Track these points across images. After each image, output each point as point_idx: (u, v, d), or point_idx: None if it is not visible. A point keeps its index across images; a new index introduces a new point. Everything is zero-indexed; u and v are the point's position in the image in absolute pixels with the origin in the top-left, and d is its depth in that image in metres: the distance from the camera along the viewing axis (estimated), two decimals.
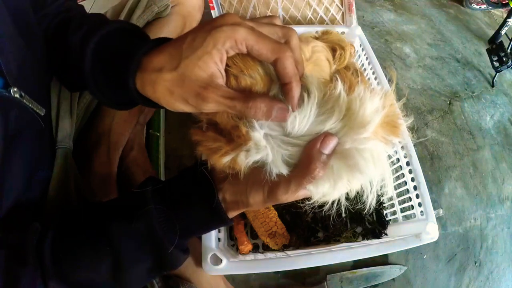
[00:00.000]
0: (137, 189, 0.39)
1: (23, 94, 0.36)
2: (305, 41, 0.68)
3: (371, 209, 0.74)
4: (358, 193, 0.32)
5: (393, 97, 0.32)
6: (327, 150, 0.30)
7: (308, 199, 0.33)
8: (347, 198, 0.33)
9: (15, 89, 0.35)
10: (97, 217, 0.39)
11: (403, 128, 0.32)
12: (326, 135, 0.30)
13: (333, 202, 0.33)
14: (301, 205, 0.35)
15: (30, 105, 0.38)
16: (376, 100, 0.30)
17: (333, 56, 0.69)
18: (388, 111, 0.31)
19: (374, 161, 0.30)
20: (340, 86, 0.29)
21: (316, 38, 0.75)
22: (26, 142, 0.39)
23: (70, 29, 0.42)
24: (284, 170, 0.31)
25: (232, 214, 0.39)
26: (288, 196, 0.33)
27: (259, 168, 0.32)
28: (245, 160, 0.31)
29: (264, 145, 0.30)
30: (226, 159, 0.31)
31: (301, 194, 0.33)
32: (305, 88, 0.30)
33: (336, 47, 0.69)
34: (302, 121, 0.30)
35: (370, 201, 0.32)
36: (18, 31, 0.37)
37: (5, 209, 0.36)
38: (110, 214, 0.39)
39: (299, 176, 0.31)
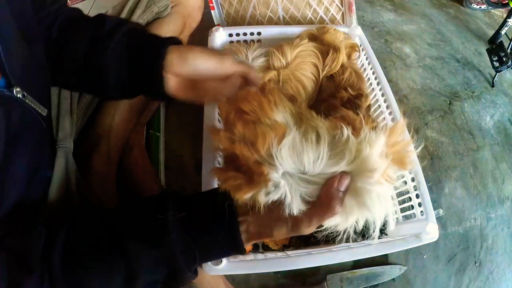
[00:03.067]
0: (156, 210, 0.39)
1: (25, 94, 0.37)
2: (291, 46, 0.68)
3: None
4: (364, 226, 0.36)
5: (400, 129, 0.35)
6: (343, 188, 0.33)
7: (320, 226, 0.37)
8: (354, 231, 0.37)
9: (18, 89, 0.35)
10: (113, 230, 0.38)
11: (411, 159, 0.35)
12: (342, 175, 0.33)
13: (344, 231, 0.37)
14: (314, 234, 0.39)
15: (33, 105, 0.39)
16: (382, 142, 0.33)
17: (325, 59, 0.69)
18: (395, 149, 0.34)
19: (380, 201, 0.33)
20: (346, 131, 0.33)
21: (314, 36, 0.75)
22: (28, 142, 0.39)
23: (83, 25, 0.46)
24: (302, 208, 0.34)
25: (251, 243, 0.41)
26: (311, 229, 0.36)
27: (281, 204, 0.35)
28: (264, 198, 0.34)
29: (283, 185, 0.33)
30: (247, 196, 0.34)
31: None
32: (314, 131, 0.34)
33: (329, 50, 0.69)
34: (316, 161, 0.33)
35: (374, 234, 0.36)
36: (21, 34, 0.38)
37: (6, 208, 0.36)
38: (128, 230, 0.38)
39: (321, 213, 0.34)
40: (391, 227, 0.36)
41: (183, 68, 0.43)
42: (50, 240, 0.35)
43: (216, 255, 0.43)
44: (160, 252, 0.37)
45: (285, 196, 0.33)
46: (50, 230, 0.37)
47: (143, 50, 0.44)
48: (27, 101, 0.37)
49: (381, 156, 0.33)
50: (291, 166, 0.33)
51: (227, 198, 0.39)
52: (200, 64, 0.43)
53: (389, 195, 0.35)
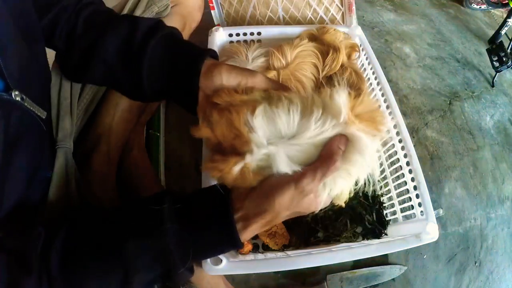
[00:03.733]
0: (154, 204, 0.39)
1: (24, 97, 0.36)
2: (291, 46, 0.68)
3: (371, 207, 0.74)
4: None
5: (368, 97, 0.38)
6: (343, 146, 0.36)
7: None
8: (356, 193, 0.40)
9: (16, 92, 0.35)
10: (110, 229, 0.39)
11: (383, 123, 0.37)
12: (341, 135, 0.36)
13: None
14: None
15: (31, 108, 0.38)
16: (345, 93, 0.36)
17: (325, 59, 0.69)
18: (364, 107, 0.36)
19: (368, 146, 0.36)
20: (310, 91, 0.37)
21: (314, 36, 0.75)
22: (27, 144, 0.39)
23: (115, 25, 0.46)
24: (294, 167, 0.36)
25: (252, 229, 0.39)
26: (316, 184, 0.36)
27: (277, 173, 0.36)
28: (252, 158, 0.35)
29: (265, 145, 0.35)
30: (236, 169, 0.35)
31: (325, 200, 0.39)
32: (284, 99, 0.37)
33: (329, 50, 0.69)
34: (289, 122, 0.35)
35: (369, 188, 0.39)
36: (20, 34, 0.38)
37: (6, 209, 0.36)
38: (125, 228, 0.38)
39: (323, 166, 0.35)
40: (375, 176, 0.39)
41: (207, 85, 0.43)
42: (49, 240, 0.35)
43: (212, 252, 0.42)
44: (155, 245, 0.37)
45: (273, 154, 0.35)
46: (49, 230, 0.37)
47: (180, 61, 0.45)
48: (25, 104, 0.37)
49: (344, 102, 0.35)
50: (268, 133, 0.35)
51: (222, 191, 0.39)
52: (226, 80, 0.42)
53: (371, 146, 0.37)
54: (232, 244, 0.39)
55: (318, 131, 0.35)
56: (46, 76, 0.50)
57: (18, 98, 0.35)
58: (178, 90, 0.46)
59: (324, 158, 0.36)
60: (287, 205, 0.37)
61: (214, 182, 0.58)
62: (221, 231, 0.38)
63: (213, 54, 0.47)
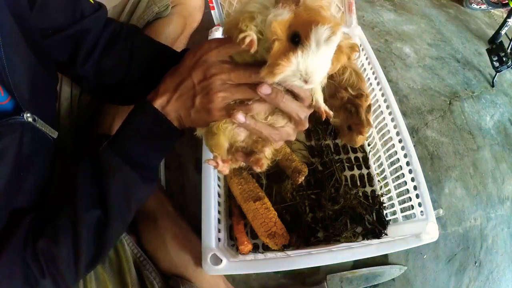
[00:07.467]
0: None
1: (36, 118, 0.37)
2: None
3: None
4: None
5: None
6: None
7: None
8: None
9: (28, 114, 0.35)
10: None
11: None
12: None
13: None
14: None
15: (43, 129, 0.39)
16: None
17: None
18: None
19: None
20: None
21: None
22: (39, 162, 0.40)
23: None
24: None
25: (173, 104, 0.41)
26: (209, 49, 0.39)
27: None
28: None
29: None
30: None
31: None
32: None
33: None
34: None
35: None
36: (31, 49, 0.37)
37: (13, 218, 0.37)
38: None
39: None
40: None
41: None
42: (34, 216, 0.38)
43: (146, 138, 0.42)
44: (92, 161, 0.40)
45: None
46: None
47: None
48: (37, 125, 0.38)
49: None
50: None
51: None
52: None
53: None
54: (158, 121, 0.40)
55: None
56: (55, 92, 0.49)
57: (30, 120, 0.36)
58: None
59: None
60: (190, 65, 0.40)
61: (214, 185, 0.58)
62: (142, 112, 0.40)
63: None
